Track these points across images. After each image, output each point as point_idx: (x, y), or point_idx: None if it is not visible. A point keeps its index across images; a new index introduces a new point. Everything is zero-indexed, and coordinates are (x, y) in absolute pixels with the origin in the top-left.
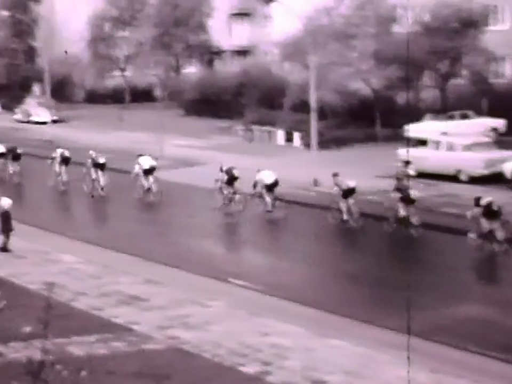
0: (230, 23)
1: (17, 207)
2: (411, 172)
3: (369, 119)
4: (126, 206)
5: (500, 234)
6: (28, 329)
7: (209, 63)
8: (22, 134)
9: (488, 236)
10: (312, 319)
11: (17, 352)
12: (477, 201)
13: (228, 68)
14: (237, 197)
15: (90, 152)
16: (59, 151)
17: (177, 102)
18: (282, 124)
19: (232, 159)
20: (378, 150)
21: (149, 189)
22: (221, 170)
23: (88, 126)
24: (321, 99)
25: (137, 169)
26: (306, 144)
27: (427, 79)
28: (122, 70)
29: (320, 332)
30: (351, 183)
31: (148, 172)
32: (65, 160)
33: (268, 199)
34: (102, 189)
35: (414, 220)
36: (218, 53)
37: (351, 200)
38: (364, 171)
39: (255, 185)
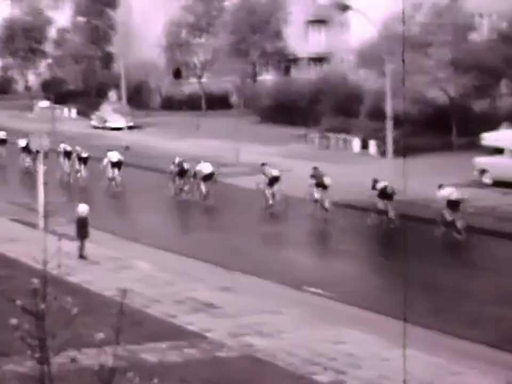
0: (307, 30)
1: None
2: (487, 180)
3: (446, 127)
4: (200, 212)
5: None
6: (100, 335)
7: (286, 70)
8: (98, 140)
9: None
10: (386, 328)
11: (89, 358)
12: (374, 183)
13: (304, 75)
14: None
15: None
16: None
17: (253, 109)
18: (358, 132)
19: (308, 166)
20: (454, 159)
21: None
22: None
23: (164, 132)
24: (397, 107)
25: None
26: (382, 152)
27: (504, 87)
28: (199, 76)
29: (395, 341)
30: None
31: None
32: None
33: (203, 188)
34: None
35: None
36: (295, 60)
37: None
38: (440, 179)
39: (195, 175)
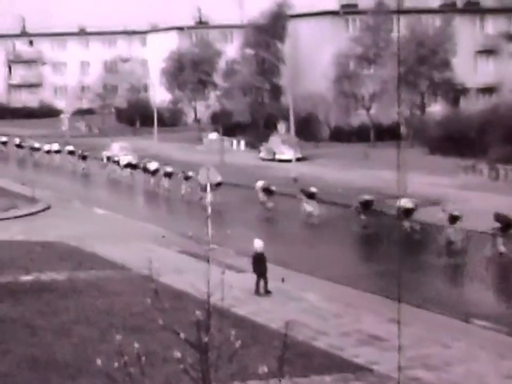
0: (475, 61)
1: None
2: None
3: None
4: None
5: None
6: (264, 368)
7: (454, 100)
8: (266, 171)
9: None
10: None
11: None
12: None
13: (473, 106)
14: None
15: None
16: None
17: (422, 140)
18: None
19: (477, 197)
20: None
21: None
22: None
23: (332, 164)
24: None
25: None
26: None
27: None
28: (367, 108)
29: None
30: None
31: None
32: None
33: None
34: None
35: None
36: (463, 90)
37: None
38: None
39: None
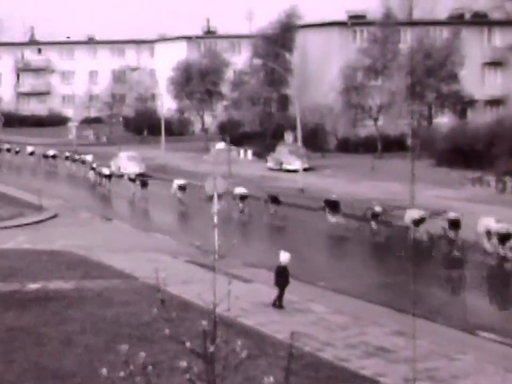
0: (483, 73)
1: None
2: None
3: None
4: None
5: None
6: (270, 378)
7: (462, 112)
8: (273, 182)
9: None
10: None
11: None
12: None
13: (480, 118)
14: None
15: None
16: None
17: (429, 152)
18: None
19: (484, 210)
20: None
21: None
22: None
23: (339, 175)
24: None
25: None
26: None
27: None
28: (375, 119)
29: None
30: None
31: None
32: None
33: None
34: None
35: None
36: (471, 102)
37: None
38: None
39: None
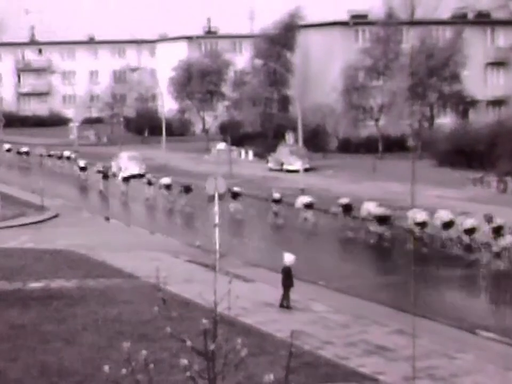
0: (485, 73)
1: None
2: None
3: None
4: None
5: None
6: (270, 377)
7: (463, 113)
8: (274, 182)
9: None
10: None
11: None
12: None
13: (482, 118)
14: None
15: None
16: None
17: (430, 152)
18: None
19: (485, 210)
20: None
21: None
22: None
23: (340, 175)
24: None
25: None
26: None
27: None
28: (376, 119)
29: None
30: None
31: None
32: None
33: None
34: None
35: None
36: (473, 103)
37: None
38: None
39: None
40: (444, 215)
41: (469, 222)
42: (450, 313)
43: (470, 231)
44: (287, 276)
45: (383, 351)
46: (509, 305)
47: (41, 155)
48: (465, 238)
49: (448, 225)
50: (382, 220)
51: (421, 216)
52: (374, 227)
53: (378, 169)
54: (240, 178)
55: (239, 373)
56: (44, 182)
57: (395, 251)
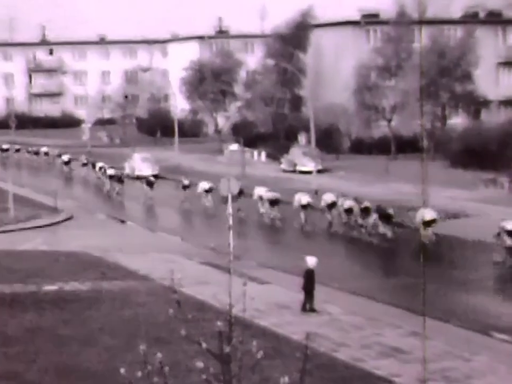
0: (497, 73)
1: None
2: None
3: None
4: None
5: None
6: (286, 379)
7: (476, 113)
8: (287, 183)
9: None
10: None
11: None
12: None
13: (494, 118)
14: None
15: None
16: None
17: (443, 153)
18: None
19: (497, 211)
20: None
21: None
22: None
23: (353, 176)
24: None
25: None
26: None
27: None
28: (388, 119)
29: None
30: None
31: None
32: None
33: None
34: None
35: None
36: (485, 103)
37: None
38: None
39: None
40: (327, 197)
41: (347, 203)
42: None
43: (348, 211)
44: (310, 279)
45: (398, 353)
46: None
47: (54, 156)
48: (344, 217)
49: (331, 206)
50: (273, 202)
51: (304, 198)
52: (265, 209)
53: (391, 170)
54: (253, 179)
55: (255, 375)
56: (57, 184)
57: (283, 228)
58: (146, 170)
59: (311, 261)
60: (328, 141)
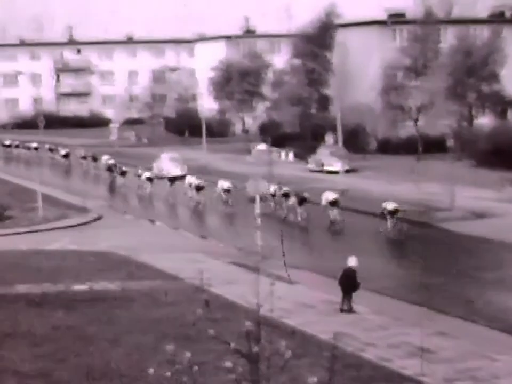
0: None
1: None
2: None
3: None
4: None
5: None
6: (314, 379)
7: (502, 113)
8: (315, 183)
9: None
10: None
11: None
12: None
13: None
14: None
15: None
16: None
17: (469, 153)
18: None
19: None
20: None
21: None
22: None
23: (380, 176)
24: None
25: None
26: None
27: None
28: (415, 119)
29: None
30: None
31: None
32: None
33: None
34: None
35: None
36: (511, 102)
37: None
38: None
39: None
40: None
41: (272, 188)
42: None
43: (273, 196)
44: (350, 278)
45: (425, 353)
46: None
47: (82, 157)
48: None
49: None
50: (199, 188)
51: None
52: (192, 194)
53: (417, 170)
54: (281, 179)
55: (283, 375)
56: (85, 184)
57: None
58: (175, 170)
59: (353, 260)
60: (355, 141)
